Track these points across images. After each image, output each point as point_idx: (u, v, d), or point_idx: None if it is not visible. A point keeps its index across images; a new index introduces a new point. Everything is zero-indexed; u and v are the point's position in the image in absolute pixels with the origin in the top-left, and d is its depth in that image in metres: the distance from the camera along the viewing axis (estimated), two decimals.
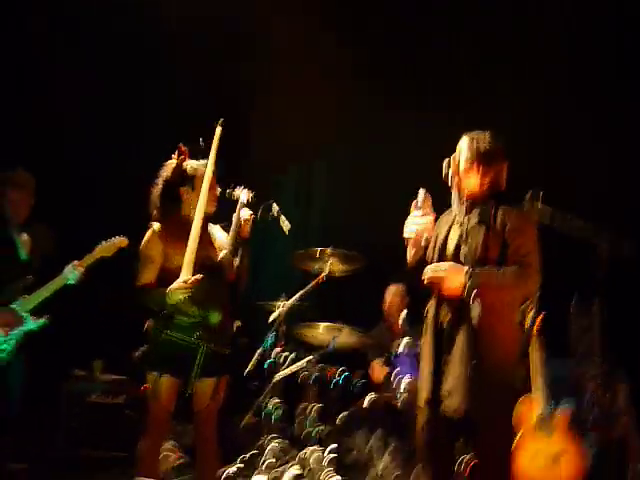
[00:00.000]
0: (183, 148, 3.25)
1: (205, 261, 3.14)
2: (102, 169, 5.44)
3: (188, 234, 3.15)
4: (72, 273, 3.67)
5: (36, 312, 3.61)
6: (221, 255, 3.21)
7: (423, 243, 2.85)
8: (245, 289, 3.36)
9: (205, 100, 5.60)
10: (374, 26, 5.86)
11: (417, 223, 2.80)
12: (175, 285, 3.03)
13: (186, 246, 3.10)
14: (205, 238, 3.25)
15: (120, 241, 3.81)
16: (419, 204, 2.81)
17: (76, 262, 3.70)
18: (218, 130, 3.28)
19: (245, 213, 3.28)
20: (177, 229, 3.17)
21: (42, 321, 3.61)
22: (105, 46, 5.53)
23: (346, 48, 5.73)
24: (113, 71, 5.56)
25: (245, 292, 3.37)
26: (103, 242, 3.80)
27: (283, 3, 5.64)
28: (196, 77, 5.66)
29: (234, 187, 3.39)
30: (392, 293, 5.08)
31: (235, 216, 3.29)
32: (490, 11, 5.59)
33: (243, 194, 3.36)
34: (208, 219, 3.30)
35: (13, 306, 3.55)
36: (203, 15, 5.50)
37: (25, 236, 3.76)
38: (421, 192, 2.81)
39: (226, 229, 3.34)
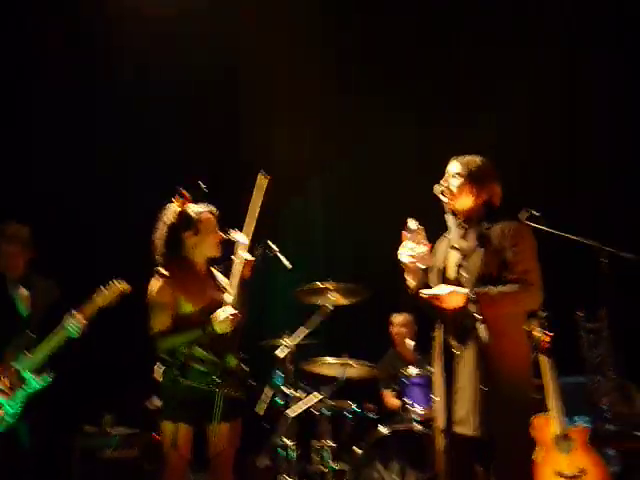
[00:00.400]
0: (185, 192, 3.26)
1: (214, 305, 3.13)
2: (101, 215, 5.44)
3: (196, 278, 3.18)
4: (72, 325, 3.50)
5: (39, 370, 3.50)
6: (229, 299, 3.21)
7: (422, 267, 2.83)
8: (248, 329, 3.36)
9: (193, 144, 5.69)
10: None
11: (411, 254, 2.80)
12: (223, 316, 3.04)
13: (196, 291, 3.12)
14: (211, 282, 3.26)
15: (121, 286, 3.60)
16: (411, 237, 2.80)
17: (75, 312, 3.55)
18: (263, 182, 3.28)
19: (245, 255, 3.29)
20: (182, 274, 3.17)
21: (46, 378, 3.51)
22: (98, 91, 5.61)
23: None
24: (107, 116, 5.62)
25: (248, 332, 3.36)
26: (102, 288, 3.59)
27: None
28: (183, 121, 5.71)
29: (229, 229, 3.41)
30: (399, 322, 5.06)
31: (236, 259, 3.29)
32: (486, 23, 5.68)
33: (241, 237, 3.38)
34: (211, 263, 3.32)
35: (15, 366, 3.46)
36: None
37: (24, 291, 3.66)
38: (411, 224, 2.81)
39: (222, 271, 3.35)
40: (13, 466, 3.47)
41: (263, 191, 3.27)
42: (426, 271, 2.90)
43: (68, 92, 5.44)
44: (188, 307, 3.12)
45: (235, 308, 3.14)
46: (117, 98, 5.56)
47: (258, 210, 3.25)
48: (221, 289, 3.26)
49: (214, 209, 3.31)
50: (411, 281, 2.88)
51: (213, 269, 3.36)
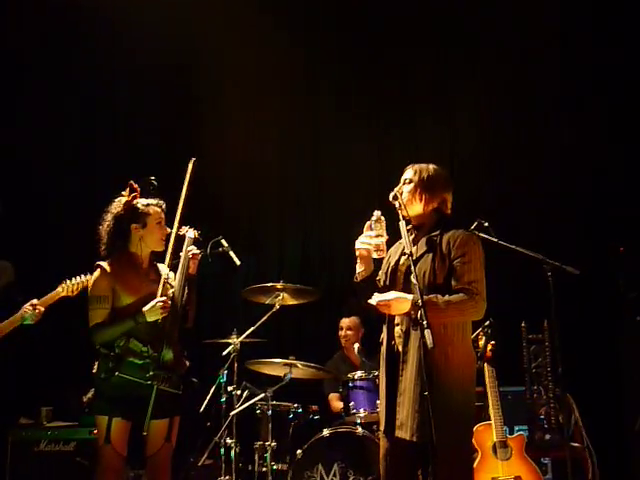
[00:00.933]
0: (135, 185, 3.24)
1: (152, 298, 3.10)
2: (68, 203, 5.33)
3: (136, 272, 3.15)
4: (30, 313, 3.40)
5: None
6: (170, 292, 3.18)
7: (375, 256, 2.85)
8: (194, 326, 3.33)
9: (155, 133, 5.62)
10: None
11: (368, 242, 2.82)
12: (151, 304, 3.02)
13: (134, 284, 3.10)
14: (152, 275, 3.24)
15: (87, 280, 3.41)
16: (372, 225, 2.83)
17: (35, 301, 3.44)
18: (190, 167, 3.31)
19: (193, 250, 3.27)
20: (125, 267, 3.14)
21: None
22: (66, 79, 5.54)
23: None
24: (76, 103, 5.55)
25: (195, 330, 3.33)
26: (67, 281, 3.46)
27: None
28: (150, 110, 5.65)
29: (181, 225, 3.39)
30: (347, 325, 5.07)
31: (183, 254, 3.29)
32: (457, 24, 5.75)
33: (190, 232, 3.38)
34: (155, 257, 3.30)
35: None
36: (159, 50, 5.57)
37: None
38: (376, 213, 2.85)
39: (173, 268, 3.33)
40: None
41: (191, 175, 3.27)
42: (376, 270, 2.93)
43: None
44: (126, 299, 3.10)
45: (176, 302, 3.12)
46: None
47: (185, 194, 3.26)
48: (164, 283, 3.23)
49: (163, 204, 3.29)
50: (360, 269, 2.90)
51: (158, 264, 3.33)
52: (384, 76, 5.88)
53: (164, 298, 3.05)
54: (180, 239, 3.35)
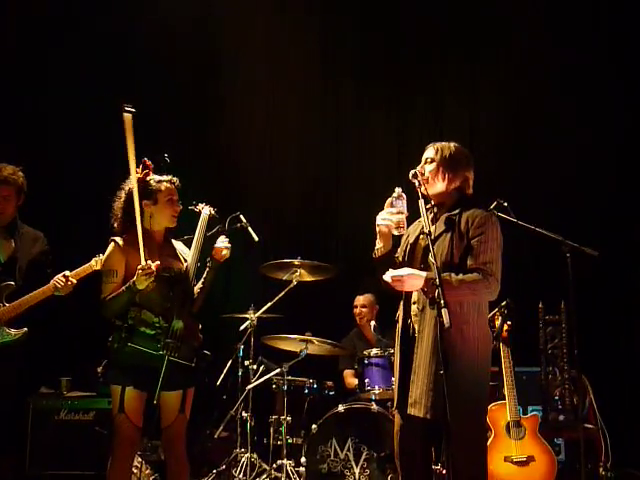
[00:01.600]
0: (148, 162, 3.25)
1: (166, 272, 3.13)
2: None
3: (149, 247, 3.14)
4: (61, 284, 3.38)
5: (14, 323, 3.39)
6: (184, 266, 3.23)
7: (395, 233, 2.85)
8: (212, 301, 3.34)
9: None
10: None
11: (389, 218, 2.82)
12: (137, 274, 3.00)
13: (147, 259, 3.08)
14: (167, 251, 3.26)
15: None
16: (394, 202, 2.82)
17: (67, 272, 3.42)
18: (128, 117, 3.07)
19: (223, 242, 3.29)
20: (136, 240, 3.14)
21: (19, 334, 3.39)
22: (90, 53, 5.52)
23: None
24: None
25: (214, 304, 3.34)
26: (100, 255, 3.43)
27: None
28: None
29: (197, 202, 3.41)
30: (361, 303, 5.10)
31: (198, 230, 3.31)
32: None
33: (205, 209, 3.40)
34: (169, 233, 3.32)
35: None
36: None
37: (9, 239, 3.50)
38: (397, 190, 2.83)
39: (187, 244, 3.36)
40: None
41: (131, 129, 3.07)
42: (395, 247, 2.94)
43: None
44: None
45: (188, 276, 3.16)
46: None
47: (133, 148, 3.09)
48: (178, 258, 3.26)
49: (176, 180, 3.29)
50: (379, 245, 2.90)
51: (174, 240, 3.36)
52: (403, 59, 5.88)
53: (142, 264, 3.00)
54: (196, 215, 3.37)
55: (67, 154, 5.29)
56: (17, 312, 3.39)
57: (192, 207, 3.40)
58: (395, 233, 2.85)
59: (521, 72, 5.62)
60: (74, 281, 3.42)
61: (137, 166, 3.20)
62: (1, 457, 3.77)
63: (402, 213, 2.81)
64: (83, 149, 5.32)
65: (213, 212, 3.42)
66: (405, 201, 2.82)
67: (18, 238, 3.56)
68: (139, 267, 3.01)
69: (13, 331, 3.40)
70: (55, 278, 3.41)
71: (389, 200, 2.84)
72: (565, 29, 5.52)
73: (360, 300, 5.10)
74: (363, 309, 5.07)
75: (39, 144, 5.23)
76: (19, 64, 5.38)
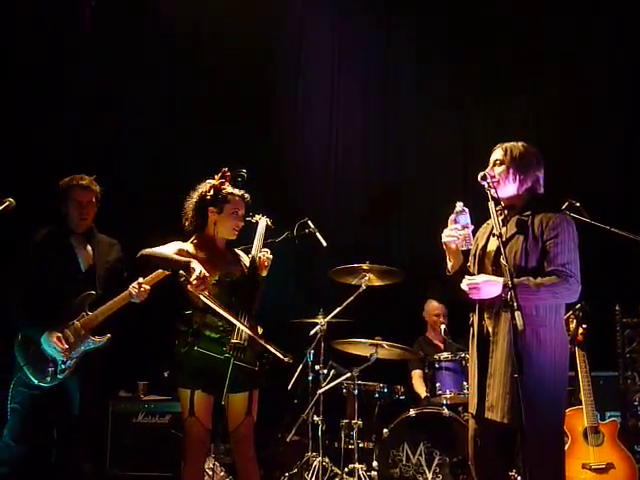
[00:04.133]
0: (227, 173, 3.35)
1: (228, 277, 3.21)
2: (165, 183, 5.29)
3: (211, 254, 3.23)
4: (136, 292, 3.44)
5: (97, 331, 3.50)
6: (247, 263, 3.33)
7: (463, 248, 2.82)
8: (281, 306, 3.39)
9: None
10: None
11: (454, 234, 2.79)
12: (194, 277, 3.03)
13: (209, 264, 3.13)
14: (228, 258, 3.34)
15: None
16: (457, 218, 2.79)
17: (141, 279, 3.47)
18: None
19: (266, 255, 3.35)
20: (203, 247, 3.26)
21: (103, 340, 3.50)
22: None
23: None
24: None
25: (282, 309, 3.37)
26: None
27: None
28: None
29: (253, 213, 3.50)
30: (432, 308, 5.07)
31: (256, 240, 3.40)
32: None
33: (262, 220, 3.49)
34: (229, 243, 3.40)
35: (74, 323, 3.45)
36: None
37: (88, 247, 3.63)
38: (459, 205, 2.81)
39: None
40: (61, 420, 3.50)
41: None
42: (466, 256, 2.90)
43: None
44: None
45: (249, 281, 3.24)
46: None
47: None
48: (240, 264, 3.34)
49: (247, 197, 3.36)
50: (450, 262, 2.88)
51: (236, 250, 3.44)
52: (465, 60, 5.84)
53: (200, 274, 3.01)
54: (254, 226, 3.45)
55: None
56: (99, 320, 3.51)
57: (249, 218, 3.48)
58: (463, 248, 2.81)
59: (587, 73, 5.47)
60: (148, 288, 3.47)
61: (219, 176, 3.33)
62: (85, 459, 3.89)
63: (467, 227, 2.78)
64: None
65: (269, 222, 3.51)
66: (468, 215, 2.79)
67: (95, 246, 3.68)
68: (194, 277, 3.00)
69: (97, 338, 3.52)
70: (131, 286, 3.49)
71: (452, 217, 2.80)
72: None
73: (431, 306, 5.08)
74: (433, 316, 5.05)
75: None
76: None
